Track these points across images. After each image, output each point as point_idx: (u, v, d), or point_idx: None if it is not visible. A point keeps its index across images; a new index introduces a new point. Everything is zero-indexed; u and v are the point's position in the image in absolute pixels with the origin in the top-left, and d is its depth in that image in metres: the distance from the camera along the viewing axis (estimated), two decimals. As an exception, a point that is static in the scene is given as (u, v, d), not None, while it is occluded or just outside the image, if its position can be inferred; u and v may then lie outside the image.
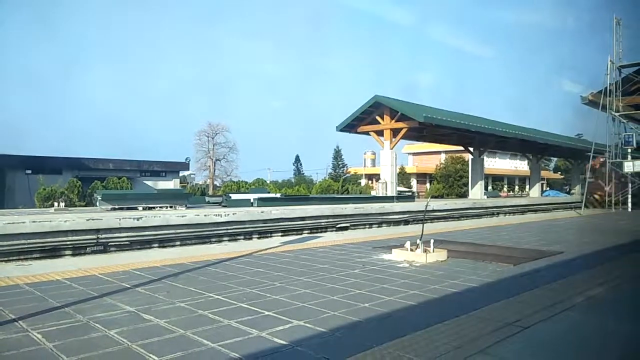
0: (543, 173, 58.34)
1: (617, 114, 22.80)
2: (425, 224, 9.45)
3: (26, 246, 11.57)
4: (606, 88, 22.34)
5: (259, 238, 15.18)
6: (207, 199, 27.58)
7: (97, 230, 12.91)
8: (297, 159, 74.60)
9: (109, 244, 13.07)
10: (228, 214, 15.72)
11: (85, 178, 25.94)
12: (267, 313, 4.17)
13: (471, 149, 38.79)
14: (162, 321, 3.88)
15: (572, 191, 50.91)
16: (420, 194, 48.99)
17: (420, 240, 7.02)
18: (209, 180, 51.73)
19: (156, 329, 3.71)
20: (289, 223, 17.71)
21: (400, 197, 26.86)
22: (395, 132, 29.68)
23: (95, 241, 12.84)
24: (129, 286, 5.10)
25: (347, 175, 53.97)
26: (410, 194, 36.15)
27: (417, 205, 24.35)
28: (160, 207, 18.83)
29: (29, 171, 27.25)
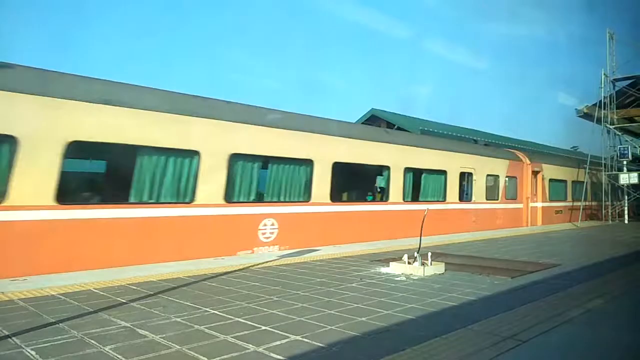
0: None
1: (612, 126, 22.96)
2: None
3: None
4: (601, 101, 22.52)
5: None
6: None
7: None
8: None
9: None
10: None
11: None
12: (264, 327, 4.14)
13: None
14: (157, 336, 3.85)
15: None
16: None
17: (417, 253, 7.01)
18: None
19: (152, 344, 3.67)
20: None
21: None
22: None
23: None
24: (124, 301, 5.06)
25: None
26: None
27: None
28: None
29: None
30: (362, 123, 30.47)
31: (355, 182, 13.33)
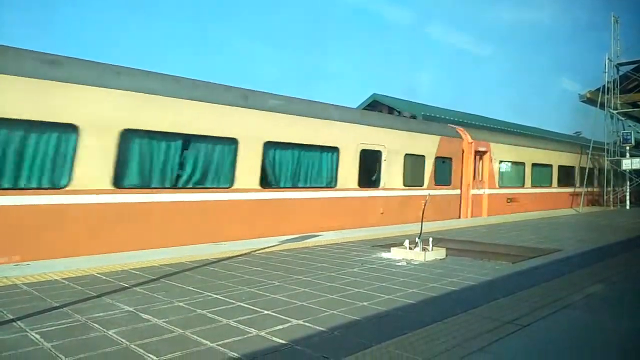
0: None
1: (615, 111, 22.80)
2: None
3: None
4: (604, 86, 22.32)
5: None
6: None
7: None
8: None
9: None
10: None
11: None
12: (265, 312, 4.17)
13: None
14: (160, 321, 3.88)
15: None
16: None
17: (419, 238, 7.02)
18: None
19: (155, 328, 3.70)
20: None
21: None
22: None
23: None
24: (127, 285, 5.09)
25: None
26: None
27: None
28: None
29: None
30: (364, 108, 30.37)
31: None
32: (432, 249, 7.00)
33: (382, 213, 12.68)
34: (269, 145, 10.25)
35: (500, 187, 17.98)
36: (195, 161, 9.17)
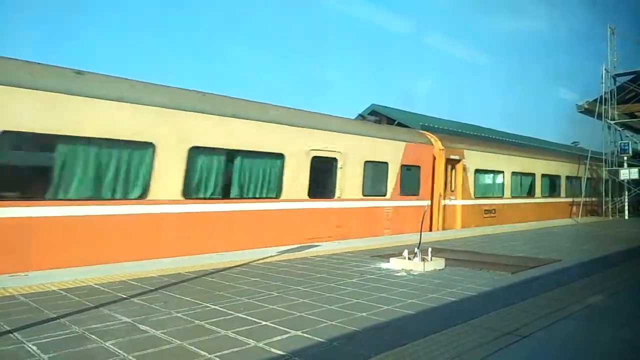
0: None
1: (612, 122, 22.92)
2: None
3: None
4: (601, 96, 22.47)
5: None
6: None
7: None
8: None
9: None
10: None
11: None
12: (264, 323, 4.15)
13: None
14: (158, 332, 3.86)
15: None
16: None
17: (418, 248, 7.01)
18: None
19: (153, 339, 3.68)
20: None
21: None
22: (392, 140, 29.68)
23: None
24: (125, 296, 5.07)
25: None
26: None
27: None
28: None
29: None
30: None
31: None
32: (431, 259, 6.98)
33: None
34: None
35: None
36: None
